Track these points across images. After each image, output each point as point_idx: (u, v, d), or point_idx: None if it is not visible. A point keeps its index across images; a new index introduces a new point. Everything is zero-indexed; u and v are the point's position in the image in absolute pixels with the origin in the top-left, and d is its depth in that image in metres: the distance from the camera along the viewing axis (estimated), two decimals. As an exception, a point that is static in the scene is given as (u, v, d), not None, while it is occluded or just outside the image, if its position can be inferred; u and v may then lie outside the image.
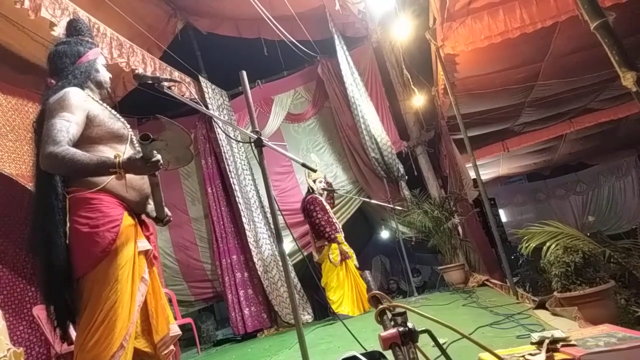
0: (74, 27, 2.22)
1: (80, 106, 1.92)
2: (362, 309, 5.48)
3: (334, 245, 5.62)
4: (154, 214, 2.16)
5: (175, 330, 2.05)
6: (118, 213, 1.89)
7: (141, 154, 1.75)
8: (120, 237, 1.84)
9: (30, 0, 3.56)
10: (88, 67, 2.09)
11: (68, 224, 1.85)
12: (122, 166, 1.76)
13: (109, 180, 1.88)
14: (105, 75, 2.18)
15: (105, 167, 1.77)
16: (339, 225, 5.87)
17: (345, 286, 5.50)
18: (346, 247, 5.74)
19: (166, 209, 2.19)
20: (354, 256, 5.79)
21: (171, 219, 2.24)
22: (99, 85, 2.16)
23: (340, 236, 5.75)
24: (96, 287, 1.77)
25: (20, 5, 3.51)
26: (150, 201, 2.13)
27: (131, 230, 1.91)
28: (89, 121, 1.93)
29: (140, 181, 2.00)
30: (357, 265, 5.75)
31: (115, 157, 1.78)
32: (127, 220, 1.91)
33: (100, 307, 1.75)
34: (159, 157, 1.79)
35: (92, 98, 2.06)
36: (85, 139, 1.91)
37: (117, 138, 2.01)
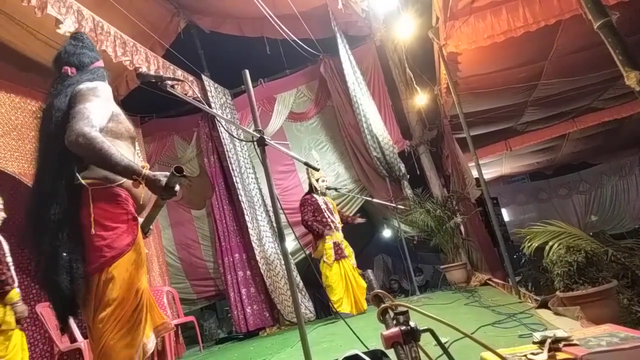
0: (82, 37, 2.28)
1: (109, 102, 1.99)
2: (358, 310, 5.47)
3: (328, 245, 5.59)
4: None
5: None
6: (134, 210, 1.95)
7: (166, 179, 1.85)
8: (139, 235, 1.92)
9: (36, -2, 3.59)
10: (104, 73, 2.16)
11: (87, 214, 1.81)
12: (146, 178, 1.83)
13: (125, 180, 1.90)
14: None
15: (131, 172, 1.81)
16: (338, 224, 5.78)
17: (340, 286, 5.49)
18: (344, 246, 5.69)
19: None
20: (352, 256, 5.74)
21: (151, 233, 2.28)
22: None
23: (334, 234, 5.68)
24: (123, 279, 1.80)
25: (27, 2, 3.53)
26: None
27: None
28: (115, 116, 1.99)
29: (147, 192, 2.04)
30: (355, 265, 5.70)
31: (143, 167, 1.85)
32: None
33: (131, 297, 1.80)
34: (178, 188, 1.90)
35: None
36: (108, 132, 1.94)
37: (131, 138, 2.07)
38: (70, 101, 1.89)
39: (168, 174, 1.88)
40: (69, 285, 1.74)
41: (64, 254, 1.74)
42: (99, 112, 1.86)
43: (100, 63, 2.18)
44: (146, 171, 1.82)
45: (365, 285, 5.62)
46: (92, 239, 1.79)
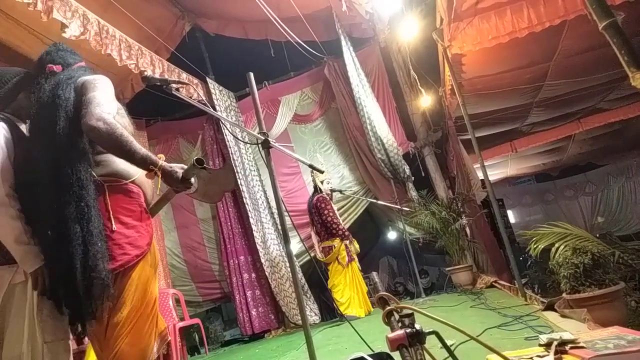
0: (61, 45, 2.17)
1: (113, 95, 1.91)
2: (367, 310, 5.51)
3: (342, 247, 5.60)
4: None
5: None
6: (146, 208, 1.91)
7: (182, 170, 1.79)
8: (153, 235, 1.88)
9: (42, 2, 3.61)
10: (91, 72, 2.06)
11: (104, 211, 1.73)
12: (162, 169, 1.74)
13: (140, 174, 1.85)
14: None
15: (148, 163, 1.73)
16: None
17: (351, 287, 5.50)
18: (354, 248, 5.74)
19: None
20: (356, 257, 5.79)
21: None
22: None
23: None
24: (141, 281, 1.76)
25: (34, 7, 3.56)
26: None
27: None
28: (117, 110, 1.90)
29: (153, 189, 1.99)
30: (360, 267, 5.78)
31: (159, 157, 1.77)
32: None
33: (146, 300, 1.75)
34: (193, 181, 1.83)
35: None
36: None
37: (131, 134, 2.00)
38: (76, 92, 1.80)
39: (184, 165, 1.81)
40: (90, 286, 1.63)
41: (86, 254, 1.63)
42: (114, 104, 1.81)
43: (83, 63, 2.08)
44: (162, 162, 1.74)
45: (365, 288, 5.72)
46: (113, 237, 1.72)
